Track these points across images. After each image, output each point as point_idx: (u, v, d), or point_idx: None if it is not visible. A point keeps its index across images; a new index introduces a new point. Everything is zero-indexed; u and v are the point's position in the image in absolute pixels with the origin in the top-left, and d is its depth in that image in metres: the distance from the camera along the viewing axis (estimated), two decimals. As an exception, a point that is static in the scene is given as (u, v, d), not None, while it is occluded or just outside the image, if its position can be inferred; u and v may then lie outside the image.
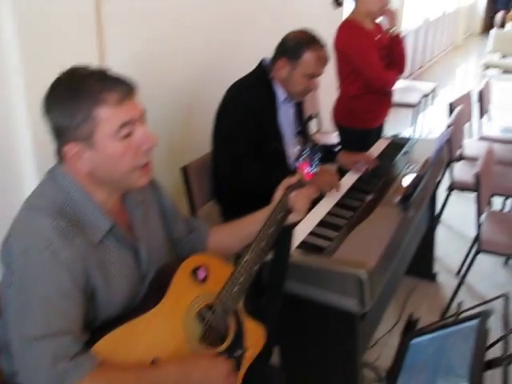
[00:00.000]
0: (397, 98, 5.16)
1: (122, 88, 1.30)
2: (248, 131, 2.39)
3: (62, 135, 1.30)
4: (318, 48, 2.41)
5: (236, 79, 2.56)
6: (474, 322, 1.28)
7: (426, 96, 5.64)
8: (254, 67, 2.56)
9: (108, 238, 1.37)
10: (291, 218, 1.67)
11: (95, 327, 1.33)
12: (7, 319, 1.34)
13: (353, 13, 3.21)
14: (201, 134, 2.70)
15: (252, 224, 1.66)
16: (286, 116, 2.56)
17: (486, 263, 3.37)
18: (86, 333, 1.27)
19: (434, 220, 3.23)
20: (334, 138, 3.62)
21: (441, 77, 8.97)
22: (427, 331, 1.34)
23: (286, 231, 1.72)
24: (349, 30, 3.16)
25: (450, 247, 3.70)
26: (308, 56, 2.38)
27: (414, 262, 2.96)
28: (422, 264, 3.25)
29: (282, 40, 2.49)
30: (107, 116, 1.28)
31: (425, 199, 2.57)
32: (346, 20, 3.21)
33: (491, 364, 1.18)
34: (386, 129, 3.70)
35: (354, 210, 2.25)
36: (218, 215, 2.71)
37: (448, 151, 3.39)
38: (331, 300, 1.85)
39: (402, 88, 5.46)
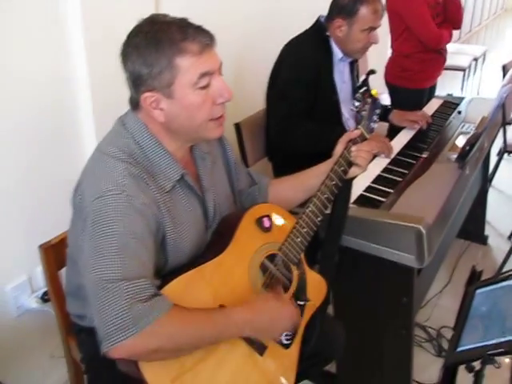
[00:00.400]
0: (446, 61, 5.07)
1: (203, 38, 1.29)
2: (303, 89, 2.38)
3: (140, 83, 1.30)
4: (373, 1, 2.36)
5: (289, 35, 2.54)
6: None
7: (475, 59, 5.49)
8: (308, 24, 2.53)
9: (178, 186, 1.39)
10: (352, 172, 1.66)
11: (164, 274, 1.35)
12: (79, 264, 1.38)
13: None
14: (253, 91, 2.70)
15: (313, 177, 1.66)
16: (341, 75, 2.53)
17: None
18: (158, 278, 1.29)
19: (486, 182, 3.18)
20: (384, 98, 3.57)
21: (490, 41, 8.70)
22: (493, 281, 1.34)
23: (345, 185, 1.72)
24: None
25: (500, 212, 3.64)
26: (364, 10, 2.34)
27: (465, 225, 2.93)
28: (474, 226, 3.22)
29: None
30: (188, 65, 1.27)
31: (480, 159, 2.52)
32: None
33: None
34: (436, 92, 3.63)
35: (409, 166, 2.24)
36: (271, 173, 2.72)
37: (501, 114, 3.31)
38: (389, 254, 1.84)
39: (452, 51, 5.33)
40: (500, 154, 3.66)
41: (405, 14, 3.09)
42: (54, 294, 1.76)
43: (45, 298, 2.08)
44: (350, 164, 1.64)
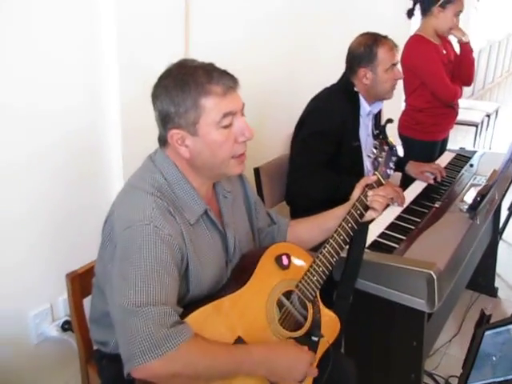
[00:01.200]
0: (459, 116, 5.18)
1: (227, 81, 1.41)
2: (326, 143, 2.48)
3: (168, 121, 1.41)
4: (384, 40, 2.51)
5: (313, 83, 2.66)
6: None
7: (488, 115, 5.62)
8: (333, 72, 2.65)
9: (201, 220, 1.48)
10: (368, 216, 1.74)
11: (185, 305, 1.41)
12: (105, 292, 1.46)
13: (420, 30, 3.27)
14: (274, 138, 2.80)
15: (331, 219, 1.75)
16: (366, 128, 2.64)
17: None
18: (180, 307, 1.36)
19: (496, 234, 3.23)
20: (398, 150, 3.66)
21: (503, 98, 8.87)
22: (501, 324, 1.39)
23: (362, 228, 1.80)
24: (417, 44, 3.21)
25: (511, 265, 3.68)
26: (381, 51, 2.48)
27: (475, 276, 2.97)
28: (484, 278, 3.26)
29: (350, 52, 2.58)
30: (212, 106, 1.38)
31: (491, 211, 2.59)
32: (414, 35, 3.27)
33: None
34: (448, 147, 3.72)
35: (422, 215, 2.31)
36: (288, 216, 2.79)
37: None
38: (400, 298, 1.90)
39: (466, 107, 5.47)
40: (511, 209, 3.72)
41: (420, 71, 3.19)
42: (77, 322, 1.82)
43: (65, 327, 2.15)
44: (367, 208, 1.73)
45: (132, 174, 1.53)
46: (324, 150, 2.48)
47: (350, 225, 1.68)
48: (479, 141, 5.70)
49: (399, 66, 2.59)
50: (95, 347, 1.70)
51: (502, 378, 1.13)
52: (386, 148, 1.85)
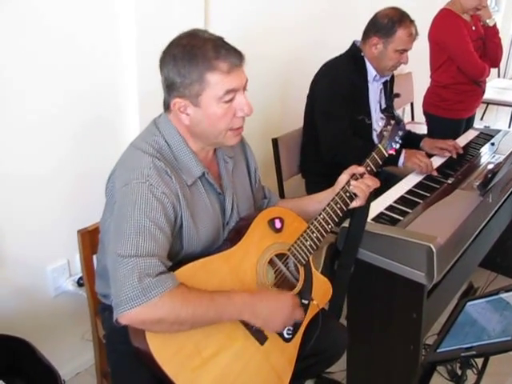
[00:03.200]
0: (496, 96, 5.09)
1: (233, 59, 1.45)
2: (343, 104, 2.52)
3: (173, 89, 1.48)
4: (409, 24, 2.53)
5: (335, 56, 2.69)
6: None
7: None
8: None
9: (199, 182, 1.55)
10: (352, 204, 1.75)
11: (178, 260, 1.49)
12: (106, 245, 1.55)
13: (449, 4, 3.23)
14: (295, 110, 2.82)
15: (312, 204, 1.81)
16: (374, 94, 2.65)
17: None
18: (170, 261, 1.43)
19: (518, 215, 3.19)
20: (422, 128, 3.64)
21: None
22: (484, 295, 1.42)
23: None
24: (445, 18, 3.18)
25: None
26: (401, 33, 2.50)
27: (494, 256, 2.95)
28: (503, 259, 3.23)
29: (374, 18, 2.60)
30: (216, 81, 1.44)
31: (507, 190, 2.56)
32: (443, 9, 3.24)
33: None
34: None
35: (432, 190, 2.32)
36: (303, 189, 2.83)
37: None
38: (400, 270, 1.92)
39: (503, 87, 5.36)
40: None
41: (448, 45, 3.16)
42: (87, 276, 1.93)
43: (80, 283, 2.26)
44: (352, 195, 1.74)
45: (136, 137, 1.61)
46: (345, 115, 2.53)
47: (347, 194, 1.72)
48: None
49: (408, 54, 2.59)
50: (99, 299, 1.79)
51: (468, 345, 1.17)
52: (392, 122, 1.87)
